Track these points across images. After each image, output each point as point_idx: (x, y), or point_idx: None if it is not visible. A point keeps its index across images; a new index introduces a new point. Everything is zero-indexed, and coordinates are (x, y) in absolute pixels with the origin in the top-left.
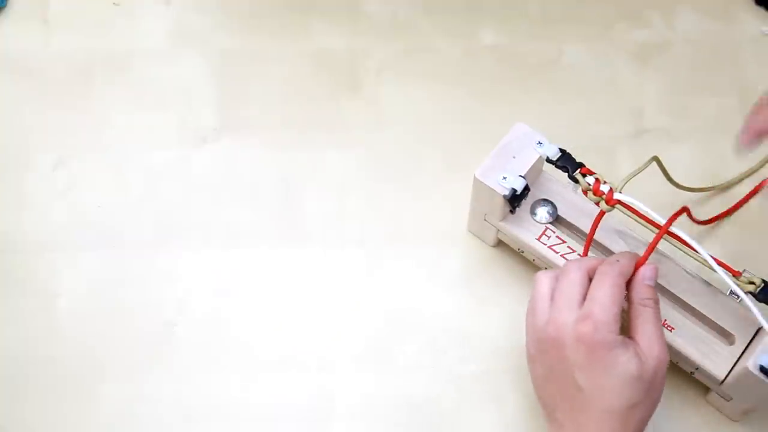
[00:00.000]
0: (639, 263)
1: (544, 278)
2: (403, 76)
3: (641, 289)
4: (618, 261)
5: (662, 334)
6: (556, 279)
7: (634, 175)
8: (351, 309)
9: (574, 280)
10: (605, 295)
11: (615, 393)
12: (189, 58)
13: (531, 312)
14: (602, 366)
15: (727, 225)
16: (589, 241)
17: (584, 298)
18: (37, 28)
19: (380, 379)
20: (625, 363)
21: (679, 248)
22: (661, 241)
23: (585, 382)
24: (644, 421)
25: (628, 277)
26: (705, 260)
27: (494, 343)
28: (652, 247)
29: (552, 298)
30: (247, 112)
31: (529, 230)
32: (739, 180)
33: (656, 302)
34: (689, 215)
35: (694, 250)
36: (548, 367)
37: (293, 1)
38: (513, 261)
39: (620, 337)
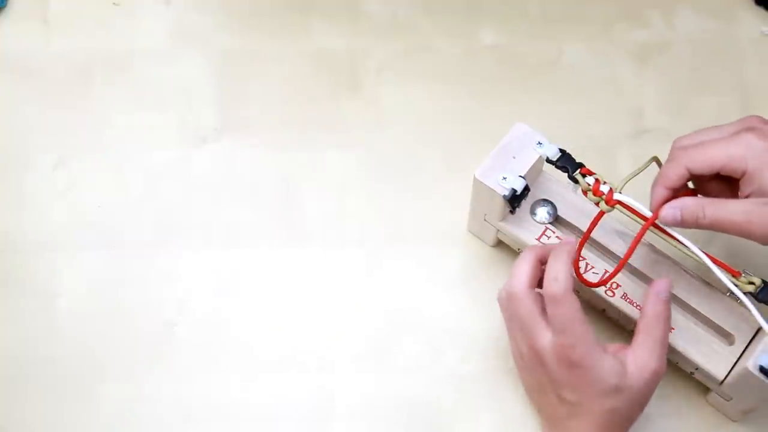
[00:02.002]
0: (581, 243)
1: (502, 301)
2: (403, 76)
3: (656, 304)
4: (556, 280)
5: (665, 350)
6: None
7: (634, 176)
8: (351, 309)
9: (526, 304)
10: (566, 320)
11: (598, 397)
12: (189, 58)
13: (510, 335)
14: (585, 380)
15: None
16: (584, 240)
17: (542, 308)
18: (37, 28)
19: (380, 379)
20: (606, 374)
21: (677, 247)
22: (661, 241)
23: (571, 397)
24: (630, 421)
25: (575, 259)
26: (702, 259)
27: (494, 343)
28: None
29: (516, 319)
30: (247, 112)
31: (529, 230)
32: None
33: (668, 318)
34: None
35: (681, 243)
36: (536, 381)
37: (293, 1)
38: (513, 261)
39: (598, 349)
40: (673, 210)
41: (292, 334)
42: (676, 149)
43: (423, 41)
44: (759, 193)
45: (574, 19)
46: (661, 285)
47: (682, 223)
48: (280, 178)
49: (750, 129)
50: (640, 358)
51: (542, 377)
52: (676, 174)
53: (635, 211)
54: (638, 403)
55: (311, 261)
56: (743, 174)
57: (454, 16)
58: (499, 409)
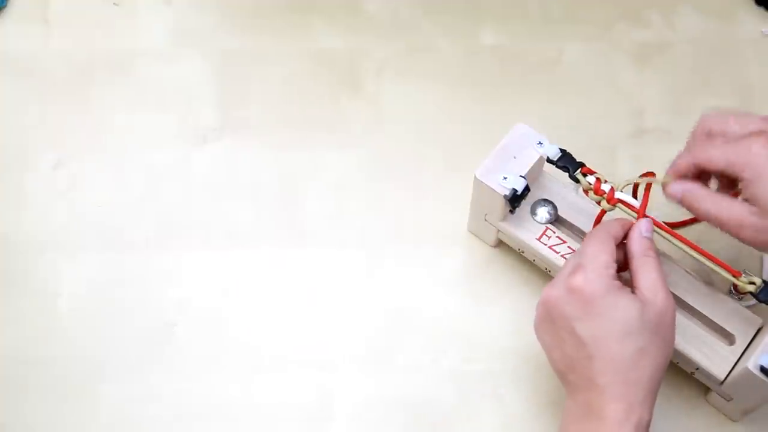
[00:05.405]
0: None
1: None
2: (404, 76)
3: (640, 242)
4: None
5: (665, 283)
6: None
7: (632, 183)
8: (351, 309)
9: (572, 258)
10: (592, 246)
11: (618, 339)
12: (189, 58)
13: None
14: (600, 313)
15: None
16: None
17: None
18: (37, 28)
19: (380, 379)
20: (624, 307)
21: (678, 247)
22: (662, 241)
23: (585, 333)
24: (659, 369)
25: (618, 237)
26: (702, 259)
27: (494, 343)
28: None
29: None
30: (247, 112)
31: (530, 230)
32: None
33: (656, 253)
34: (656, 223)
35: (684, 241)
36: (551, 332)
37: (293, 1)
38: (513, 261)
39: (615, 283)
40: (676, 189)
41: (292, 334)
42: (698, 134)
43: (423, 41)
44: (752, 201)
45: (574, 19)
46: (643, 224)
47: (681, 204)
48: (280, 178)
49: (760, 133)
50: (649, 294)
51: (557, 321)
52: (685, 164)
53: (637, 209)
54: (661, 343)
55: (311, 261)
56: (740, 180)
57: (455, 16)
58: (499, 410)
